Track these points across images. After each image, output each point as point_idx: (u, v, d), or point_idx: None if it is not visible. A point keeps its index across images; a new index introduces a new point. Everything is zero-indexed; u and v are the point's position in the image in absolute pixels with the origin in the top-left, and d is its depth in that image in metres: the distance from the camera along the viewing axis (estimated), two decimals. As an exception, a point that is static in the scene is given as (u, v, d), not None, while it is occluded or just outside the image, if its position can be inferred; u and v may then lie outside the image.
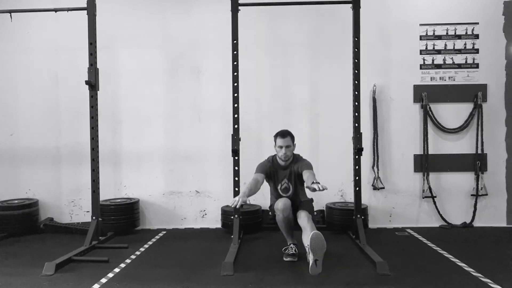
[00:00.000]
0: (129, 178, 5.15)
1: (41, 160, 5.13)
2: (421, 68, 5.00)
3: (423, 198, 5.00)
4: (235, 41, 4.32)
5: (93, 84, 4.23)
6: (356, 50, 4.24)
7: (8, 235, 4.68)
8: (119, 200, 4.98)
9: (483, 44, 4.97)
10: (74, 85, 4.97)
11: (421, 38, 5.00)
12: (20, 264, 3.73)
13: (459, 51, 5.00)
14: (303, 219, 3.49)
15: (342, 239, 4.46)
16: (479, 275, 3.30)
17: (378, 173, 5.00)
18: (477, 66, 4.98)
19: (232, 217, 4.41)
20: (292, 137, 3.80)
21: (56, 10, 4.35)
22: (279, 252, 3.85)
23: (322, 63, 5.03)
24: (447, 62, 5.00)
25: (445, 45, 5.00)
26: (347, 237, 4.51)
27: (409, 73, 5.00)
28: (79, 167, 5.07)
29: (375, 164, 4.99)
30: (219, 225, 4.96)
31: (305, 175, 3.60)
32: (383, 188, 5.00)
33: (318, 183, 3.22)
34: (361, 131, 4.24)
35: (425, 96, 4.94)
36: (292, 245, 3.76)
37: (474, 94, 4.94)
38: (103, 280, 3.29)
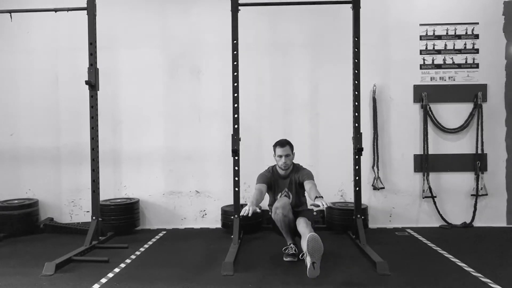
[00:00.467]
0: (129, 178, 5.15)
1: (41, 160, 5.13)
2: (421, 68, 5.00)
3: (423, 198, 5.00)
4: (235, 41, 4.32)
5: (93, 84, 4.23)
6: (356, 50, 4.24)
7: (8, 235, 4.68)
8: (119, 200, 4.98)
9: (483, 44, 4.97)
10: (74, 85, 4.97)
11: (421, 38, 5.00)
12: (20, 264, 3.73)
13: (459, 51, 5.00)
14: (302, 225, 3.49)
15: (342, 239, 4.46)
16: (479, 275, 3.30)
17: (378, 173, 5.00)
18: (477, 66, 4.98)
19: (232, 217, 4.41)
20: (291, 146, 3.83)
21: (56, 10, 4.35)
22: (279, 252, 3.85)
23: (322, 63, 5.03)
24: (447, 62, 5.00)
25: (445, 45, 5.00)
26: (347, 237, 4.51)
27: (409, 73, 5.00)
28: (79, 167, 5.07)
29: (375, 164, 4.99)
30: (219, 225, 4.97)
31: (307, 186, 3.63)
32: (383, 188, 5.00)
33: (322, 197, 3.28)
34: (361, 131, 4.23)
35: (425, 96, 4.94)
36: (292, 245, 3.75)
37: (474, 94, 4.94)
38: (103, 280, 3.29)
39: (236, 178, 4.34)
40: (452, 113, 4.98)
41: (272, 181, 3.86)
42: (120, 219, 4.75)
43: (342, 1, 4.48)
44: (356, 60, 4.25)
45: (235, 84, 4.33)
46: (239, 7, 4.31)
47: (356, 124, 4.24)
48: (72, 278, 3.36)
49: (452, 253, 3.87)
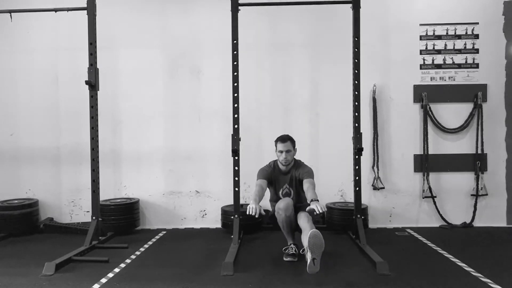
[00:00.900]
0: (129, 178, 5.15)
1: (41, 160, 5.13)
2: (421, 68, 5.00)
3: (423, 198, 5.00)
4: (235, 41, 4.32)
5: (93, 84, 4.23)
6: (356, 50, 4.24)
7: (8, 235, 4.69)
8: (119, 200, 4.98)
9: (483, 44, 4.97)
10: (74, 85, 4.97)
11: (421, 38, 5.00)
12: (20, 264, 3.73)
13: (459, 51, 5.00)
14: (303, 219, 3.50)
15: (342, 239, 4.46)
16: (479, 275, 3.30)
17: (378, 173, 5.00)
18: (477, 66, 4.98)
19: (232, 217, 4.41)
20: (293, 142, 3.82)
21: (56, 10, 4.35)
22: (279, 252, 3.85)
23: (322, 63, 5.03)
24: (447, 62, 5.00)
25: (445, 45, 5.00)
26: (347, 237, 4.51)
27: (409, 73, 5.00)
28: (79, 167, 5.07)
29: (375, 164, 4.99)
30: (219, 225, 4.96)
31: (305, 185, 3.63)
32: (383, 188, 5.00)
33: (317, 200, 3.31)
34: (361, 131, 4.23)
35: (425, 96, 4.94)
36: (292, 245, 3.76)
37: (474, 94, 4.94)
38: (103, 280, 3.29)
39: (236, 178, 4.34)
40: (452, 113, 4.98)
41: (273, 176, 3.85)
42: (120, 219, 4.75)
43: (342, 1, 4.48)
44: (356, 60, 4.25)
45: (235, 84, 4.32)
46: (239, 7, 4.31)
47: (356, 124, 4.24)
48: (72, 278, 3.36)
49: (452, 253, 3.87)
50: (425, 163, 4.96)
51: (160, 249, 4.22)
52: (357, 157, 4.26)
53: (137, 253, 4.05)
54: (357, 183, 4.29)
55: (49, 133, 5.13)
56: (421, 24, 4.99)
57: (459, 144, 5.00)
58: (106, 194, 4.93)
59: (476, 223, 4.96)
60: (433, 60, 5.00)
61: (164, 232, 4.93)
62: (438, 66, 5.00)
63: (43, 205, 5.14)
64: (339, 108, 4.88)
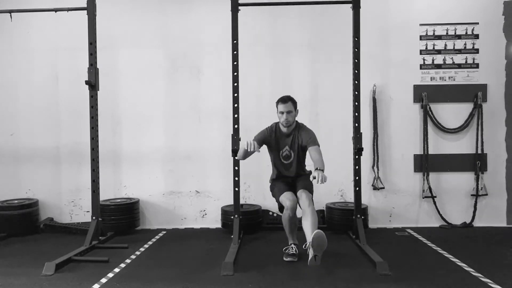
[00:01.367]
0: (129, 178, 5.15)
1: (41, 160, 5.13)
2: (421, 68, 5.00)
3: (423, 198, 5.00)
4: (235, 41, 4.32)
5: (93, 84, 4.23)
6: (356, 50, 4.24)
7: (8, 235, 4.68)
8: (119, 200, 4.98)
9: (483, 44, 4.97)
10: (74, 85, 4.97)
11: (421, 38, 5.00)
12: (20, 264, 3.73)
13: (459, 51, 5.00)
14: (304, 201, 3.48)
15: (342, 239, 4.46)
16: (479, 275, 3.30)
17: (378, 173, 5.00)
18: (477, 66, 4.98)
19: (232, 217, 4.41)
20: (294, 103, 3.73)
21: (56, 10, 4.35)
22: (279, 252, 3.85)
23: (322, 63, 5.03)
24: (447, 62, 5.00)
25: (445, 45, 5.00)
26: (347, 237, 4.51)
27: (409, 73, 5.00)
28: (79, 167, 5.07)
29: (375, 164, 4.99)
30: (219, 225, 4.96)
31: (312, 153, 3.55)
32: (383, 188, 5.00)
33: (322, 170, 3.25)
34: (361, 131, 4.24)
35: (425, 96, 4.94)
36: (292, 245, 3.76)
37: (474, 94, 4.94)
38: (103, 280, 3.29)
39: (236, 178, 4.34)
40: (452, 113, 4.98)
41: (273, 139, 3.78)
42: (120, 219, 4.75)
43: (342, 1, 4.48)
44: (356, 60, 4.25)
45: (235, 84, 4.33)
46: (239, 7, 4.31)
47: (356, 124, 4.24)
48: (72, 278, 3.36)
49: (452, 253, 3.87)
50: (425, 163, 4.96)
51: (160, 249, 4.22)
52: (357, 157, 4.26)
53: (137, 253, 4.05)
54: (357, 183, 4.29)
55: (49, 133, 5.13)
56: (421, 24, 4.99)
57: (459, 144, 5.00)
58: (106, 194, 4.92)
59: (476, 223, 4.95)
60: (433, 60, 5.00)
61: (164, 232, 4.93)
62: (438, 66, 5.00)
63: (43, 205, 5.14)
64: (339, 108, 4.87)
